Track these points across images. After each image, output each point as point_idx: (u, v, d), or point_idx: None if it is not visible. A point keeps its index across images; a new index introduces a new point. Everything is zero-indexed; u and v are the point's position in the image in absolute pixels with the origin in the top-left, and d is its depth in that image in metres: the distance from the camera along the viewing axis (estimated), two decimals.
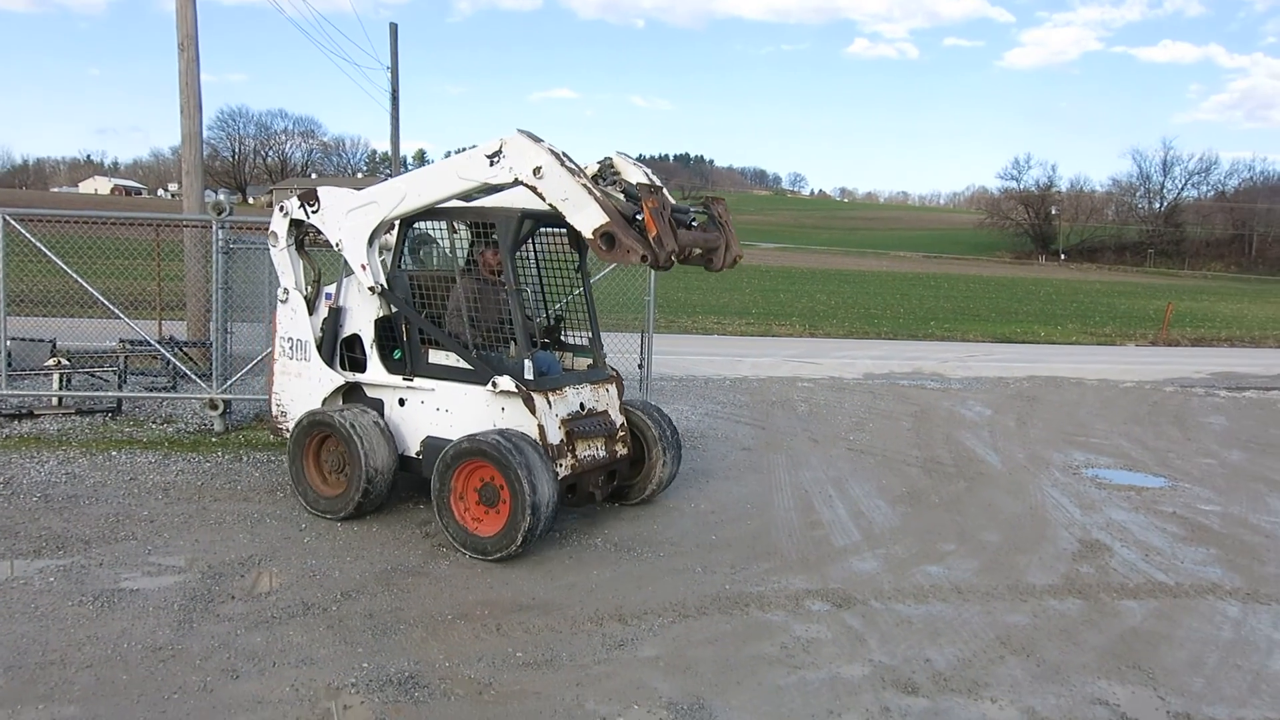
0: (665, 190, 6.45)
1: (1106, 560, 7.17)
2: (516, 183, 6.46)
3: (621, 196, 6.53)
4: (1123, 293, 56.31)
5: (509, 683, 4.79)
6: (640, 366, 10.67)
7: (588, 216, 6.09)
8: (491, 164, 6.47)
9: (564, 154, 6.30)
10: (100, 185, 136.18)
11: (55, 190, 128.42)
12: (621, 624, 5.56)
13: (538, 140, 6.35)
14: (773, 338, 24.31)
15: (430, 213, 7.34)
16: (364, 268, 7.23)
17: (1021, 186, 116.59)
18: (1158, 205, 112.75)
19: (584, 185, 6.12)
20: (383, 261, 7.43)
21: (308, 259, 7.96)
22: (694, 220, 6.79)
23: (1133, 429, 12.81)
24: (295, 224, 7.74)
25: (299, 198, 7.63)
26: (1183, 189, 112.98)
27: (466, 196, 7.05)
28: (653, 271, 10.63)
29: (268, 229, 7.66)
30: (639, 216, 6.16)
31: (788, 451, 10.34)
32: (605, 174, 6.98)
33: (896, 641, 5.52)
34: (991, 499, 8.78)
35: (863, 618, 5.84)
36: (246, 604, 5.60)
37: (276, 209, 7.80)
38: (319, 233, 7.65)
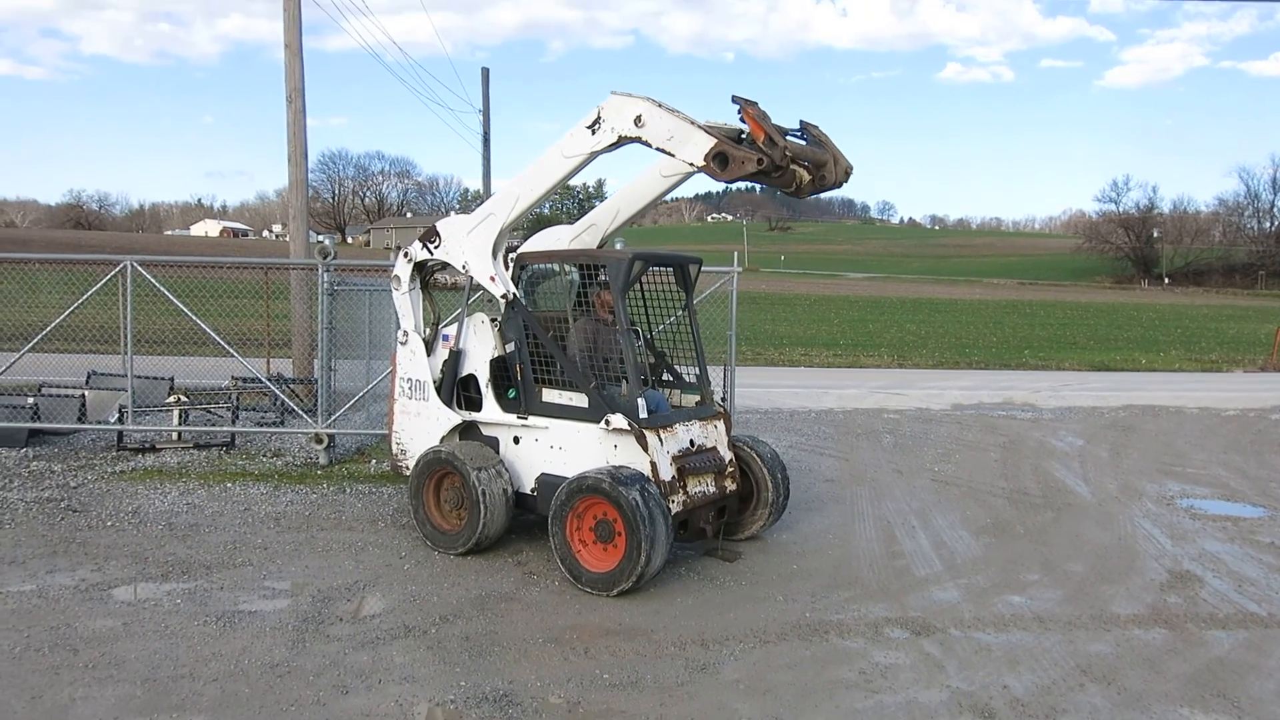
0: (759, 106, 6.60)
1: (1196, 591, 7.10)
2: (620, 140, 6.69)
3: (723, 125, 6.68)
4: (1231, 317, 54.18)
5: (596, 702, 5.06)
6: (723, 399, 10.89)
7: (696, 145, 6.32)
8: (594, 132, 6.77)
9: (659, 101, 6.56)
10: (210, 228, 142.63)
11: (169, 233, 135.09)
12: (704, 648, 5.78)
13: (630, 94, 6.62)
14: (860, 369, 24.23)
15: (544, 255, 7.68)
16: (493, 279, 7.48)
17: (1121, 209, 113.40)
18: (1268, 225, 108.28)
19: (686, 119, 6.36)
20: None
21: (430, 300, 8.29)
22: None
23: (1233, 458, 12.49)
24: (418, 266, 8.06)
25: (419, 240, 7.96)
26: None
27: (573, 175, 7.20)
28: (734, 305, 10.89)
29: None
30: (744, 135, 6.37)
31: (871, 483, 10.42)
32: None
33: (975, 668, 5.61)
34: (1079, 530, 8.72)
35: (941, 645, 5.94)
36: (353, 626, 6.01)
37: (400, 254, 8.15)
38: (444, 267, 7.97)
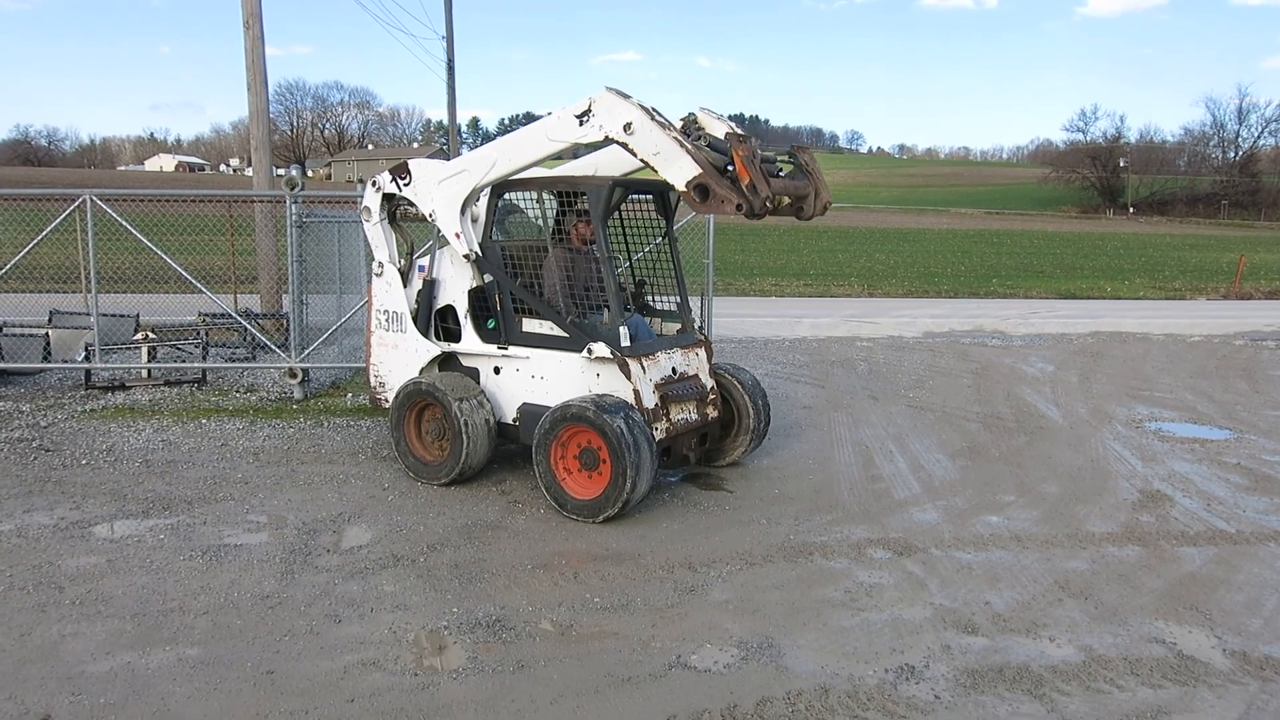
0: (753, 140, 6.43)
1: (1167, 509, 7.27)
2: (607, 141, 6.53)
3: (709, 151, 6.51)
4: (1194, 246, 54.81)
5: (588, 624, 5.12)
6: (700, 329, 10.86)
7: (680, 169, 6.15)
8: (581, 124, 6.57)
9: (653, 109, 6.39)
10: (165, 163, 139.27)
11: (123, 168, 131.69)
12: (691, 571, 5.86)
13: (626, 97, 6.41)
14: (831, 298, 24.30)
15: (521, 183, 7.51)
16: (458, 236, 7.33)
17: (1088, 138, 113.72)
18: (1232, 154, 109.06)
19: (675, 138, 6.20)
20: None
21: (400, 232, 8.09)
22: (780, 170, 6.74)
23: (1199, 383, 12.72)
24: (387, 198, 7.85)
25: (390, 172, 7.73)
26: (1259, 137, 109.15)
27: (555, 158, 7.12)
28: (710, 235, 10.83)
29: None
30: (730, 167, 6.21)
31: (848, 409, 10.51)
32: (690, 130, 6.83)
33: (956, 586, 5.73)
34: (1052, 452, 8.88)
35: (923, 564, 6.06)
36: (341, 556, 6.01)
37: (369, 184, 7.93)
38: (411, 205, 7.76)
